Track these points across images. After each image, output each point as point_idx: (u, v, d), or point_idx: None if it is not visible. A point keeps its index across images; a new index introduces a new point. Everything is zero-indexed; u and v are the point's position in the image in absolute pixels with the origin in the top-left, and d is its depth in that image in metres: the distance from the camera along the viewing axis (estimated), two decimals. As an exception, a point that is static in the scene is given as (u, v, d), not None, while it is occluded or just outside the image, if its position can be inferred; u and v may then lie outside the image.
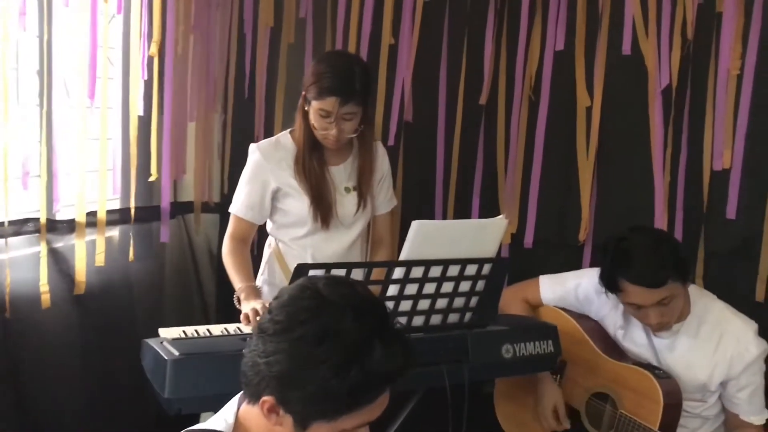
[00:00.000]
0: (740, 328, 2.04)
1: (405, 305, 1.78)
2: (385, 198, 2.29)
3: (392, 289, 1.75)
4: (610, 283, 2.00)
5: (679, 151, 2.54)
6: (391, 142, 2.75)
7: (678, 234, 2.53)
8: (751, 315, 2.11)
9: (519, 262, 2.64)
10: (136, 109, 2.46)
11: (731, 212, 2.51)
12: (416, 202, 2.80)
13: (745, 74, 2.45)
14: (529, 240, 2.71)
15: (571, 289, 2.22)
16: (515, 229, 2.72)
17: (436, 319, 1.85)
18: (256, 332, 1.16)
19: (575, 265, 2.56)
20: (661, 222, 2.53)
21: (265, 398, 1.13)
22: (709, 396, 2.06)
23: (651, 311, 1.95)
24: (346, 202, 2.17)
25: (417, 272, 1.74)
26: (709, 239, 2.54)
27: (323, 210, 2.12)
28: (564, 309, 2.24)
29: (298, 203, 2.13)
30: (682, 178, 2.55)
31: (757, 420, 2.04)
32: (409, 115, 2.77)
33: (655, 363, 2.07)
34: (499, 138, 2.72)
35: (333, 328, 1.08)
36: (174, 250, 2.81)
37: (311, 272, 1.58)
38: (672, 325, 2.02)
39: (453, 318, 1.87)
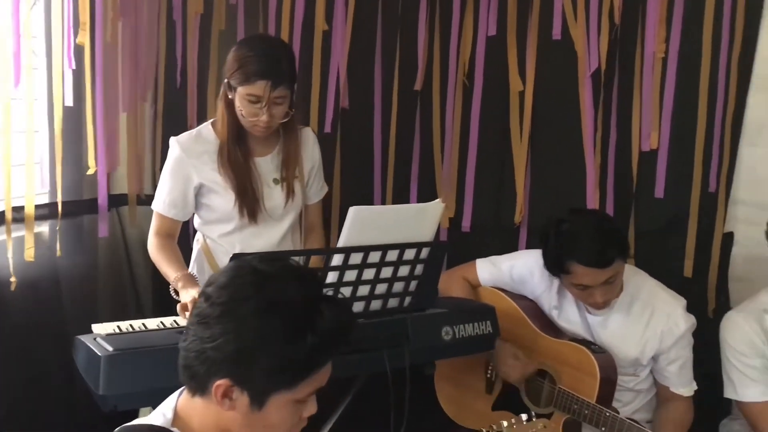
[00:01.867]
0: (670, 304, 2.11)
1: (344, 292, 1.78)
2: (318, 187, 2.27)
3: (331, 276, 1.74)
4: (556, 266, 2.03)
5: (608, 132, 2.61)
6: (327, 129, 2.74)
7: (609, 214, 2.60)
8: (681, 290, 2.20)
9: (457, 246, 2.67)
10: (61, 99, 2.38)
11: (659, 191, 2.60)
12: (355, 189, 2.80)
13: (670, 57, 2.53)
14: (466, 224, 2.74)
15: (506, 271, 2.26)
16: (453, 214, 2.75)
17: (376, 305, 1.85)
18: (195, 321, 1.14)
19: (512, 247, 2.61)
20: (592, 202, 2.59)
21: (218, 383, 1.12)
22: (641, 370, 2.13)
23: (597, 291, 2.00)
24: (274, 195, 2.12)
25: (356, 258, 1.74)
26: (639, 218, 2.62)
27: (250, 204, 2.07)
28: (502, 290, 2.28)
29: (222, 199, 2.08)
30: (612, 159, 2.62)
31: (686, 392, 2.12)
32: (345, 102, 2.76)
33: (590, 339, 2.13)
34: (435, 124, 2.74)
35: (279, 299, 1.10)
36: (107, 244, 2.74)
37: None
38: (612, 302, 2.07)
39: (393, 303, 1.88)
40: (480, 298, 2.29)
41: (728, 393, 2.13)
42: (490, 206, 2.74)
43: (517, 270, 2.25)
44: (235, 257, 1.58)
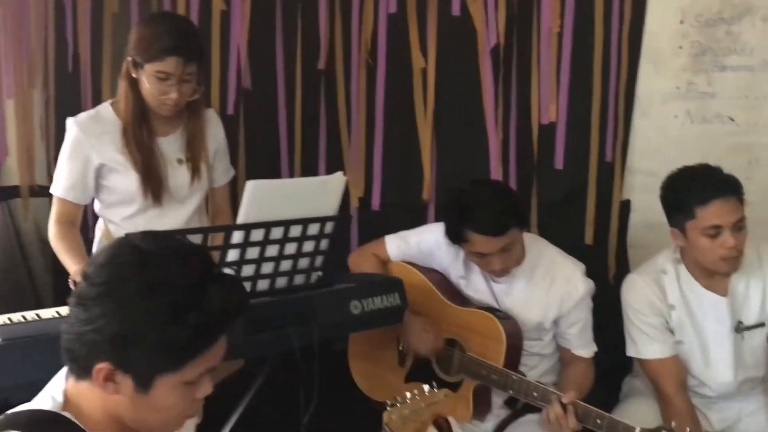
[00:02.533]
0: (569, 269, 2.17)
1: (248, 270, 1.75)
2: (223, 169, 2.23)
3: (232, 254, 1.71)
4: (456, 235, 2.07)
5: (509, 107, 2.67)
6: (230, 111, 2.69)
7: (512, 186, 2.66)
8: (582, 258, 2.25)
9: (368, 226, 2.69)
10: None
11: (559, 163, 2.68)
12: (261, 172, 2.73)
13: (565, 32, 2.60)
14: (376, 203, 2.75)
15: (414, 245, 2.28)
16: (362, 193, 2.75)
17: (281, 282, 1.83)
18: (74, 302, 1.09)
19: (421, 224, 2.59)
20: (496, 175, 2.65)
21: (99, 366, 1.07)
22: (544, 334, 2.19)
23: (494, 258, 2.04)
24: (178, 175, 2.08)
25: (257, 235, 1.71)
26: (540, 189, 2.69)
27: (154, 185, 2.03)
28: (412, 264, 2.30)
29: (125, 179, 2.02)
30: (514, 133, 2.68)
31: (586, 353, 2.19)
32: (248, 83, 2.71)
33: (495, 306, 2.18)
34: (340, 103, 2.73)
35: (160, 278, 1.05)
36: (-1, 239, 2.61)
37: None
38: (512, 269, 2.12)
39: (299, 279, 1.87)
40: (390, 273, 2.30)
41: (630, 351, 2.21)
42: (399, 184, 2.76)
43: (424, 243, 2.27)
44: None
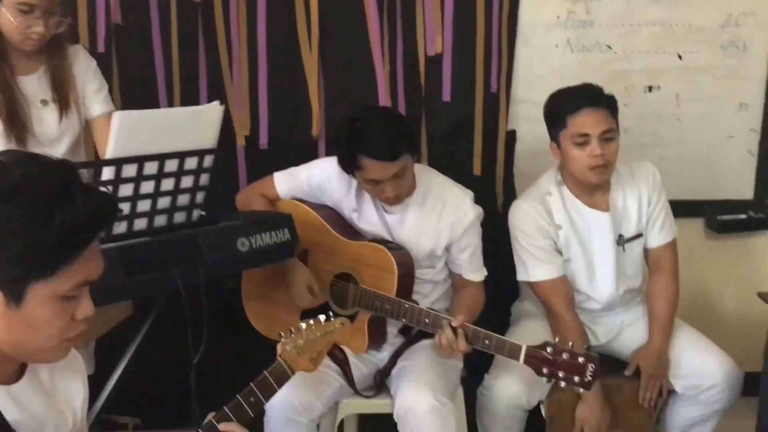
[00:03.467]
0: (459, 196, 2.20)
1: (123, 208, 1.66)
2: (100, 99, 2.11)
3: (105, 192, 1.61)
4: (349, 163, 2.04)
5: (395, 39, 2.63)
6: (101, 48, 2.51)
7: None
8: (471, 188, 2.28)
9: (256, 165, 2.61)
10: None
11: (446, 95, 2.68)
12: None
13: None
14: (263, 141, 2.67)
15: (304, 180, 2.24)
16: (249, 131, 2.66)
17: (160, 221, 1.75)
18: None
19: (312, 160, 2.57)
20: (385, 108, 2.62)
21: None
22: (437, 262, 2.22)
23: (387, 185, 2.03)
24: (44, 117, 1.96)
25: (130, 171, 1.62)
26: (429, 122, 2.69)
27: (17, 128, 1.90)
28: (301, 200, 2.26)
29: None
30: (401, 66, 2.65)
31: (477, 277, 2.24)
32: (118, 17, 2.54)
33: (388, 238, 2.18)
34: (219, 38, 2.60)
35: (22, 183, 1.00)
36: None
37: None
38: (404, 197, 2.12)
39: (180, 217, 1.79)
40: (279, 210, 2.25)
41: (521, 276, 2.29)
42: (286, 121, 2.68)
43: (315, 178, 2.23)
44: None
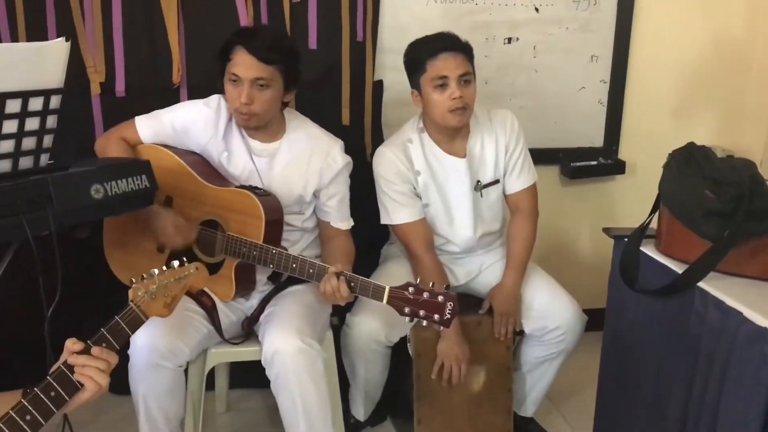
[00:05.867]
0: (328, 143, 2.21)
1: (-42, 152, 1.54)
2: None
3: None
4: (224, 51, 2.05)
5: (258, -18, 2.57)
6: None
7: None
8: (340, 137, 2.28)
9: (113, 114, 2.49)
10: None
11: (312, 42, 2.66)
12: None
13: None
14: (120, 88, 2.55)
15: (168, 124, 2.17)
16: (104, 78, 2.53)
17: (5, 165, 1.64)
18: None
19: (174, 109, 2.50)
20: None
21: None
22: (306, 208, 2.22)
23: (247, 88, 2.01)
24: None
25: (-36, 110, 1.50)
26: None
27: None
28: (165, 146, 2.19)
29: None
30: (265, 12, 2.59)
31: (345, 225, 2.26)
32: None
33: (258, 184, 2.15)
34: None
35: None
36: None
37: None
38: (258, 118, 2.08)
39: (26, 162, 1.68)
40: (140, 156, 2.17)
41: (384, 219, 2.34)
42: (145, 67, 2.57)
43: (179, 120, 2.16)
44: None
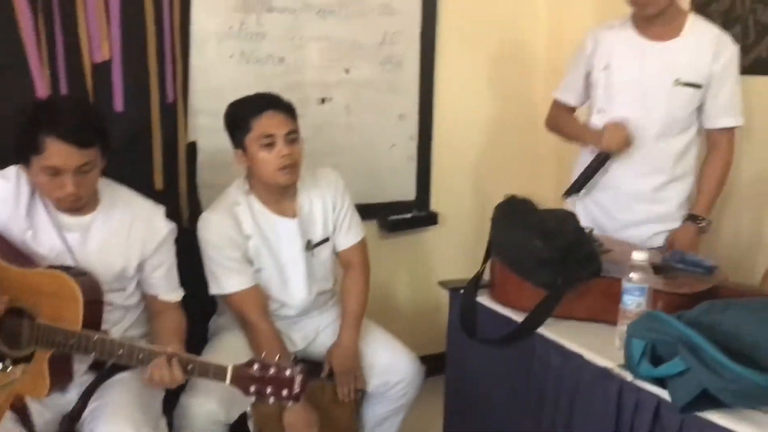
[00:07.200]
0: (150, 210, 2.07)
1: None
2: None
3: None
4: (29, 143, 1.78)
5: (54, 43, 2.36)
6: None
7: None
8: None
9: None
10: None
11: (119, 105, 2.49)
12: None
13: (110, -38, 2.40)
14: None
15: None
16: None
17: None
18: None
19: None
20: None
21: None
22: (128, 283, 2.04)
23: (69, 178, 1.81)
24: None
25: None
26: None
27: None
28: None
29: None
30: (64, 73, 2.39)
31: (175, 297, 2.12)
32: None
33: (71, 262, 1.93)
34: None
35: None
36: None
37: None
38: (84, 200, 1.90)
39: None
40: None
41: (213, 289, 2.22)
42: None
43: None
44: None
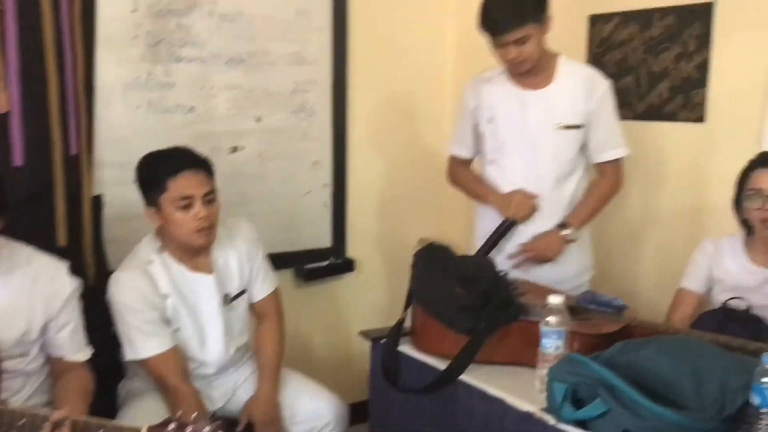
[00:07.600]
0: (53, 266, 1.98)
1: None
2: None
3: None
4: None
5: (-54, 94, 2.24)
6: None
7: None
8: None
9: None
10: None
11: (18, 159, 2.37)
12: None
13: (7, 10, 2.30)
14: None
15: None
16: None
17: None
18: None
19: None
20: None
21: None
22: (30, 347, 1.92)
23: None
24: None
25: None
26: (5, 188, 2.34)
27: None
28: None
29: None
30: (-44, 125, 2.26)
31: (82, 356, 2.01)
32: None
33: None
34: None
35: None
36: None
37: None
38: None
39: None
40: None
41: (128, 355, 2.11)
42: None
43: None
44: None
